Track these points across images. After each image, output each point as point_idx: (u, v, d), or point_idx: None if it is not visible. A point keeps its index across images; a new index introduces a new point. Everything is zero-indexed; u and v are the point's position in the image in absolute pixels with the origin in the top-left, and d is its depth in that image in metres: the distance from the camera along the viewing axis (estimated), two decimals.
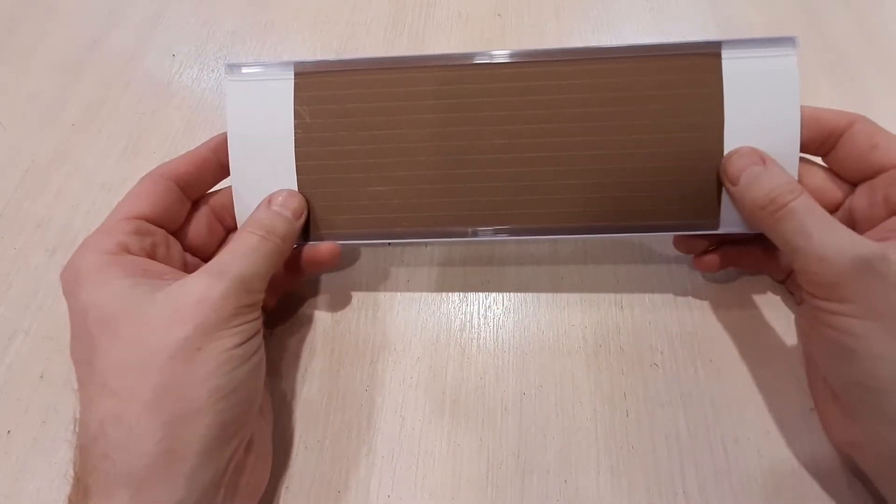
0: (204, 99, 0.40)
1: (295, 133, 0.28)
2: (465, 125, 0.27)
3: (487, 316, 0.31)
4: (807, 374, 0.27)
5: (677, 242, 0.30)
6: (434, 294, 0.32)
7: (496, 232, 0.28)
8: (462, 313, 0.31)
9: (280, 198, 0.27)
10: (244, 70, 0.28)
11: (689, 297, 0.31)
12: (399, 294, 0.32)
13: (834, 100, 0.38)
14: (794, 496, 0.25)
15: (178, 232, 0.28)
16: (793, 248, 0.23)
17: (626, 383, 0.28)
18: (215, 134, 0.29)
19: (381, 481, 0.26)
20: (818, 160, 0.28)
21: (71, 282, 0.24)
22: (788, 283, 0.30)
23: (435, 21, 0.44)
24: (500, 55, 0.27)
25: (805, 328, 0.27)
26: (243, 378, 0.23)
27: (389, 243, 0.33)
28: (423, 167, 0.27)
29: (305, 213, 0.28)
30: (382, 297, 0.31)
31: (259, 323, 0.25)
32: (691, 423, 0.27)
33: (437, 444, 0.27)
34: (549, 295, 0.31)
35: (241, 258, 0.24)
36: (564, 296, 0.31)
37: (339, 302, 0.31)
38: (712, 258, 0.29)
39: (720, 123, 0.26)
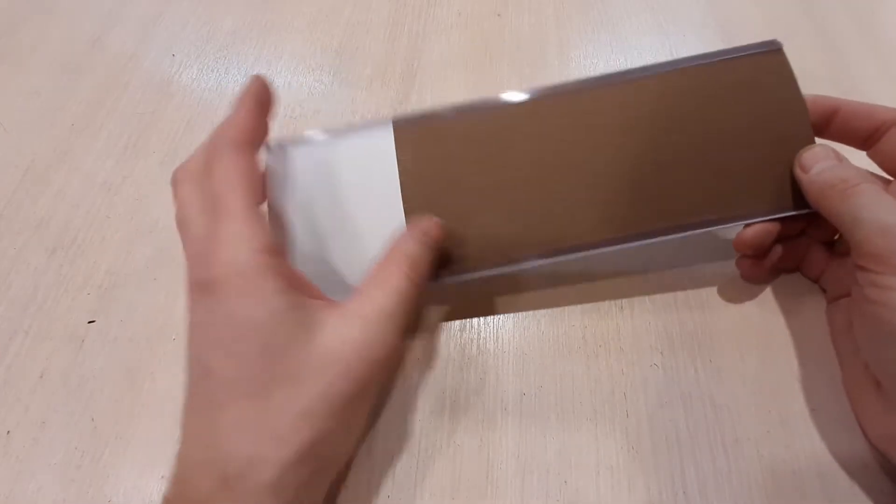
0: (204, 99, 0.40)
1: (400, 178, 0.28)
2: (569, 149, 0.28)
3: (487, 316, 0.31)
4: (841, 369, 0.27)
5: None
6: (434, 294, 0.32)
7: (612, 241, 0.28)
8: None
9: (424, 223, 0.26)
10: (291, 143, 0.28)
11: (689, 297, 0.31)
12: None
13: None
14: (794, 496, 0.25)
15: None
16: (857, 219, 0.24)
17: (626, 383, 0.28)
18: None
19: (381, 481, 0.26)
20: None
21: (219, 277, 0.21)
22: (822, 280, 0.30)
23: (435, 21, 0.44)
24: (578, 84, 0.29)
25: (840, 322, 0.28)
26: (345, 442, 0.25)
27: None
28: (534, 192, 0.28)
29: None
30: None
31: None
32: (691, 423, 0.27)
33: (437, 444, 0.27)
34: (550, 295, 0.31)
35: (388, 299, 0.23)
36: (565, 296, 0.31)
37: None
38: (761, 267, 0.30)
39: (803, 110, 0.27)
